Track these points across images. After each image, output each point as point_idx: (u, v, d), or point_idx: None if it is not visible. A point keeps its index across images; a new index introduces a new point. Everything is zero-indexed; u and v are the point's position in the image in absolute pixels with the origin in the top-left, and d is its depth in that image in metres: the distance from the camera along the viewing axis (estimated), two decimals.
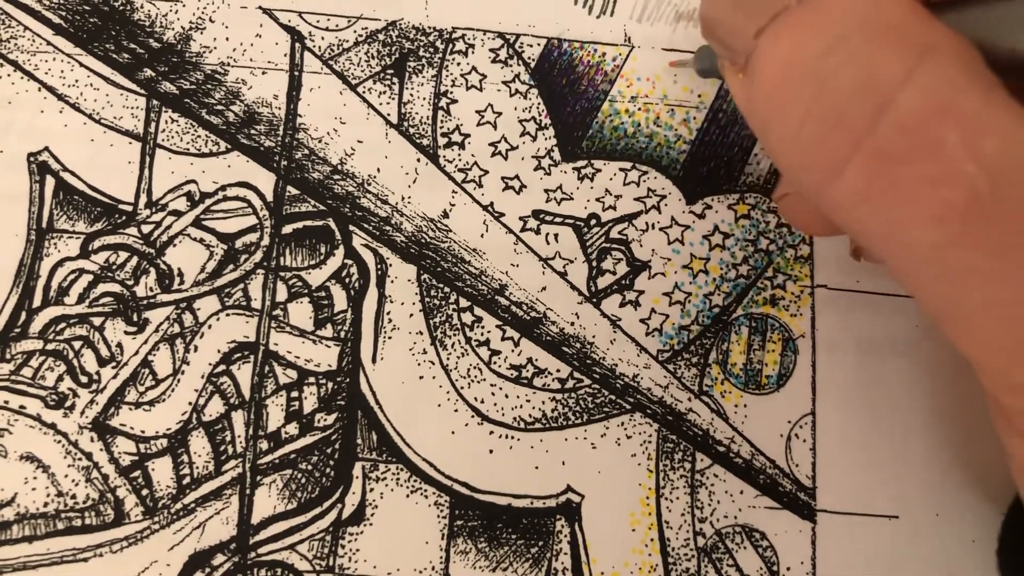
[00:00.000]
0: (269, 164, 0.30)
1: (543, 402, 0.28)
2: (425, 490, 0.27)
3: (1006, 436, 0.21)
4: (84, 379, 0.27)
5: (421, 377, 0.28)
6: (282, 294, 0.29)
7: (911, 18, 0.17)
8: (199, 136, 0.30)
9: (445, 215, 0.30)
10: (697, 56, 0.28)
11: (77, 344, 0.28)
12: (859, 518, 0.28)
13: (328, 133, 0.30)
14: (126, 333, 0.28)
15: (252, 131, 0.30)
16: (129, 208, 0.29)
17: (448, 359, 0.29)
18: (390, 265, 0.29)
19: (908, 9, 0.17)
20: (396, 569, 0.27)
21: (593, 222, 0.30)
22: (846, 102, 0.17)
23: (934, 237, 0.17)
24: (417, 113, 0.30)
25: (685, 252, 0.30)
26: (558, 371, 0.29)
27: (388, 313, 0.29)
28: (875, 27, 0.17)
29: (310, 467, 0.27)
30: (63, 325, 0.28)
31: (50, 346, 0.27)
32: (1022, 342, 0.17)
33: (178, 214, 0.29)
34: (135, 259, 0.28)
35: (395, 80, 0.31)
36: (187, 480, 0.27)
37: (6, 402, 0.27)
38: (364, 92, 0.30)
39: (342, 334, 0.29)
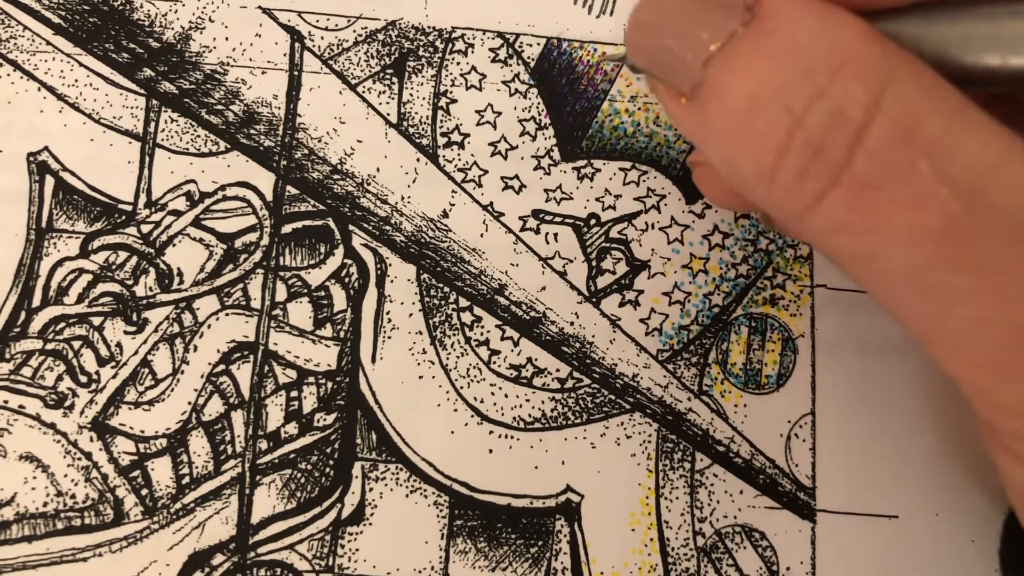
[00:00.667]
0: (269, 164, 0.30)
1: (543, 402, 0.28)
2: (425, 490, 0.27)
3: (994, 452, 0.21)
4: (83, 379, 0.27)
5: (421, 377, 0.28)
6: (281, 294, 0.29)
7: (868, 46, 0.17)
8: (199, 136, 0.30)
9: (445, 215, 0.30)
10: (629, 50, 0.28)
11: (76, 344, 0.28)
12: (859, 518, 0.28)
13: (328, 133, 0.30)
14: (125, 333, 0.28)
15: (252, 131, 0.30)
16: (129, 208, 0.29)
17: (448, 359, 0.29)
18: (390, 265, 0.29)
19: (864, 36, 0.17)
20: (395, 569, 0.27)
21: (593, 222, 0.30)
22: (821, 136, 0.17)
23: (912, 259, 0.17)
24: (417, 113, 0.30)
25: (685, 252, 0.30)
26: (558, 371, 0.29)
27: (388, 313, 0.29)
28: (837, 59, 0.17)
29: (309, 467, 0.27)
30: (62, 325, 0.28)
31: (49, 346, 0.27)
32: (1004, 360, 0.18)
33: (178, 214, 0.29)
34: (135, 259, 0.28)
35: (395, 80, 0.31)
36: (186, 480, 0.27)
37: (5, 402, 0.27)
38: (364, 92, 0.30)
39: (342, 334, 0.29)
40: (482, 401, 0.28)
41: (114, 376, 0.27)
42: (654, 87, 0.21)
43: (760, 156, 0.18)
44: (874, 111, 0.17)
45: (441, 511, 0.27)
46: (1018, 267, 0.17)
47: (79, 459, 0.27)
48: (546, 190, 0.30)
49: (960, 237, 0.17)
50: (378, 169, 0.30)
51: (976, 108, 0.17)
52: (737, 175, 0.19)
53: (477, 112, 0.30)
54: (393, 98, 0.30)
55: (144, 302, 0.28)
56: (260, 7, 0.31)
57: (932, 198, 0.16)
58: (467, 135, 0.30)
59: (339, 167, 0.30)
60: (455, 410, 0.28)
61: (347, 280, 0.29)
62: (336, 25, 0.31)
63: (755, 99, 0.17)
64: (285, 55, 0.30)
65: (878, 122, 0.17)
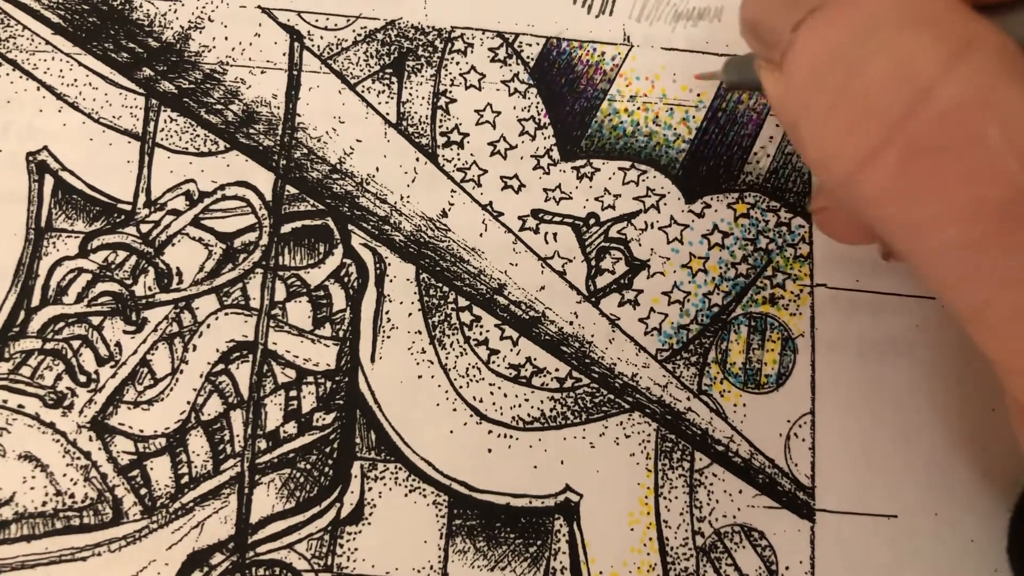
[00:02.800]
0: (268, 163, 0.30)
1: (542, 401, 0.28)
2: (424, 489, 0.27)
3: None
4: (83, 378, 0.27)
5: (420, 376, 0.28)
6: (281, 293, 0.29)
7: (950, 12, 0.17)
8: (198, 135, 0.30)
9: (444, 214, 0.30)
10: (725, 68, 0.28)
11: (76, 343, 0.28)
12: (858, 518, 0.28)
13: (327, 132, 0.30)
14: (125, 332, 0.28)
15: (251, 130, 0.30)
16: (128, 207, 0.29)
17: (447, 358, 0.29)
18: (389, 264, 0.29)
19: (946, 3, 0.17)
20: (395, 568, 0.27)
21: (592, 221, 0.30)
22: (878, 91, 0.16)
23: (967, 236, 0.16)
24: (416, 112, 0.30)
25: (684, 251, 0.30)
26: (557, 370, 0.29)
27: (387, 312, 0.29)
28: (911, 18, 0.17)
29: (309, 466, 0.27)
30: (62, 324, 0.28)
31: (49, 345, 0.27)
32: None
33: (177, 213, 0.29)
34: (134, 258, 0.28)
35: (394, 79, 0.31)
36: (185, 479, 0.27)
37: (5, 401, 0.27)
38: (363, 91, 0.30)
39: (341, 333, 0.29)
40: (481, 401, 0.28)
41: (113, 376, 0.27)
42: (758, 67, 0.21)
43: (814, 109, 0.18)
44: (947, 71, 0.16)
45: (440, 510, 0.27)
46: None
47: (78, 458, 0.27)
48: (545, 190, 0.30)
49: (1021, 216, 0.16)
50: (377, 169, 0.30)
51: None
52: (797, 139, 0.19)
53: (476, 112, 0.30)
54: (392, 98, 0.30)
55: (143, 302, 0.28)
56: (259, 7, 0.31)
57: (999, 170, 0.16)
58: (466, 135, 0.30)
59: (338, 167, 0.30)
60: (454, 410, 0.28)
61: (346, 280, 0.29)
62: (335, 25, 0.31)
63: (822, 54, 0.17)
64: (284, 55, 0.30)
65: (950, 82, 0.16)
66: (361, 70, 0.30)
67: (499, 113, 0.30)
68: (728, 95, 0.31)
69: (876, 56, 0.17)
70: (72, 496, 0.26)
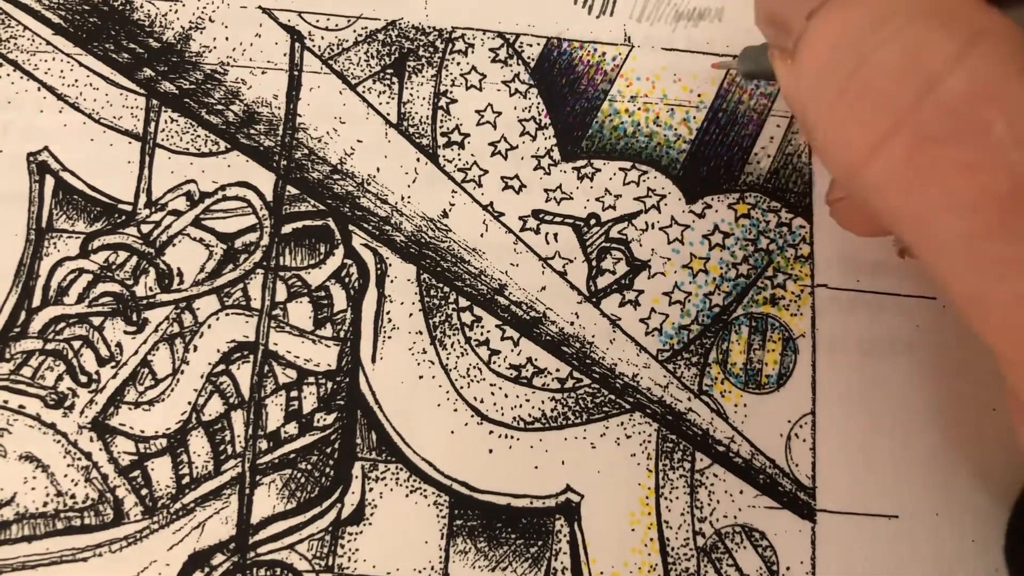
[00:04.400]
0: (269, 164, 0.30)
1: (542, 402, 0.28)
2: (424, 490, 0.27)
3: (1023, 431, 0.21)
4: (83, 379, 0.27)
5: (421, 377, 0.28)
6: (281, 294, 0.29)
7: (961, 3, 0.17)
8: (199, 136, 0.30)
9: (445, 215, 0.30)
10: (741, 57, 0.28)
11: (76, 344, 0.28)
12: (859, 518, 0.28)
13: (328, 133, 0.30)
14: (125, 333, 0.28)
15: (252, 131, 0.30)
16: (129, 208, 0.29)
17: (448, 359, 0.29)
18: (390, 265, 0.29)
19: None
20: (395, 569, 0.27)
21: (593, 222, 0.30)
22: (887, 79, 0.17)
23: (969, 225, 0.16)
24: (417, 113, 0.30)
25: (685, 252, 0.30)
26: (557, 371, 0.29)
27: (388, 313, 0.29)
28: (922, 8, 0.17)
29: (309, 467, 0.27)
30: (62, 325, 0.28)
31: (49, 346, 0.27)
32: None
33: (178, 214, 0.29)
34: (135, 259, 0.28)
35: (395, 80, 0.31)
36: (186, 480, 0.27)
37: (5, 402, 0.27)
38: (364, 92, 0.30)
39: (342, 334, 0.29)
40: (482, 401, 0.28)
41: (114, 376, 0.27)
42: (772, 56, 0.21)
43: (823, 95, 0.18)
44: (955, 62, 0.16)
45: (441, 511, 0.27)
46: None
47: (79, 459, 0.27)
48: (546, 190, 0.30)
49: (1023, 206, 0.16)
50: (378, 169, 0.30)
51: None
52: (807, 125, 0.19)
53: (477, 112, 0.30)
54: (393, 98, 0.30)
55: (144, 302, 0.28)
56: (260, 7, 0.31)
57: (1002, 161, 0.16)
58: (467, 135, 0.30)
59: (339, 167, 0.30)
60: (455, 410, 0.28)
61: (347, 280, 0.29)
62: (336, 25, 0.31)
63: (833, 41, 0.18)
64: (285, 55, 0.30)
65: (957, 73, 0.16)
66: (362, 70, 0.30)
67: (500, 113, 0.30)
68: (728, 95, 0.31)
69: (886, 45, 0.17)
70: (73, 497, 0.26)
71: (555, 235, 0.30)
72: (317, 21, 0.31)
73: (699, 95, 0.31)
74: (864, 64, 0.17)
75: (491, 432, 0.28)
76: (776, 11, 0.20)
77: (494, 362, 0.29)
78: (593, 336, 0.29)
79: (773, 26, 0.20)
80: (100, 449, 0.27)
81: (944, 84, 0.16)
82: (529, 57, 0.31)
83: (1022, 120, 0.16)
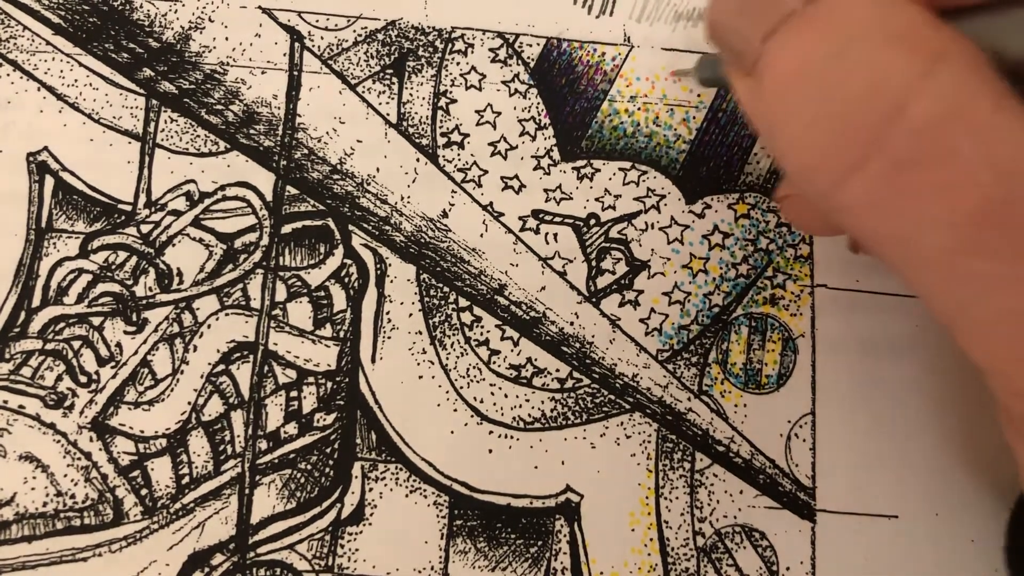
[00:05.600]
0: (268, 164, 0.30)
1: (542, 402, 0.28)
2: (424, 490, 0.27)
3: (1017, 444, 0.21)
4: (83, 379, 0.27)
5: (420, 377, 0.28)
6: (281, 294, 0.29)
7: (921, 25, 0.17)
8: (198, 136, 0.30)
9: (444, 215, 0.30)
10: (698, 65, 0.28)
11: (76, 344, 0.28)
12: (859, 518, 0.28)
13: (327, 133, 0.30)
14: (125, 333, 0.28)
15: (251, 131, 0.30)
16: (128, 208, 0.29)
17: (447, 359, 0.29)
18: (389, 265, 0.29)
19: (917, 16, 0.17)
20: (395, 569, 0.27)
21: (592, 222, 0.30)
22: (854, 108, 0.17)
23: (946, 243, 0.17)
24: (416, 113, 0.30)
25: (685, 252, 0.30)
26: (557, 371, 0.29)
27: (387, 313, 0.29)
28: (884, 33, 0.17)
29: (309, 467, 0.27)
30: (62, 325, 0.28)
31: (49, 346, 0.27)
32: None
33: (177, 214, 0.29)
34: (134, 259, 0.28)
35: (394, 80, 0.31)
36: (186, 480, 0.27)
37: (5, 402, 0.27)
38: (363, 92, 0.30)
39: (341, 334, 0.29)
40: (482, 401, 0.28)
41: (114, 376, 0.27)
42: (728, 70, 0.21)
43: (792, 125, 0.18)
44: (919, 87, 0.16)
45: (441, 511, 0.27)
46: None
47: (79, 459, 0.27)
48: (546, 190, 0.30)
49: (997, 223, 0.16)
50: (378, 169, 0.30)
51: (1018, 99, 0.17)
52: (775, 149, 0.19)
53: (477, 112, 0.30)
54: (393, 98, 0.30)
55: (144, 302, 0.28)
56: (260, 7, 0.31)
57: (972, 181, 0.16)
58: (467, 135, 0.30)
59: (339, 167, 0.30)
60: (455, 410, 0.28)
61: (347, 280, 0.29)
62: (336, 25, 0.31)
63: (797, 68, 0.18)
64: (285, 55, 0.30)
65: (922, 98, 0.16)
66: (362, 70, 0.30)
67: (499, 113, 0.30)
68: (728, 95, 0.31)
69: (852, 73, 0.17)
70: (73, 497, 0.26)
71: (555, 235, 0.30)
72: (317, 21, 0.31)
73: (699, 95, 0.31)
74: (832, 92, 0.17)
75: (491, 432, 0.28)
76: (730, 29, 0.20)
77: (494, 362, 0.29)
78: (593, 336, 0.29)
79: (726, 45, 0.20)
80: (100, 449, 0.27)
81: (910, 110, 0.16)
82: (529, 57, 0.31)
83: (987, 140, 0.16)
